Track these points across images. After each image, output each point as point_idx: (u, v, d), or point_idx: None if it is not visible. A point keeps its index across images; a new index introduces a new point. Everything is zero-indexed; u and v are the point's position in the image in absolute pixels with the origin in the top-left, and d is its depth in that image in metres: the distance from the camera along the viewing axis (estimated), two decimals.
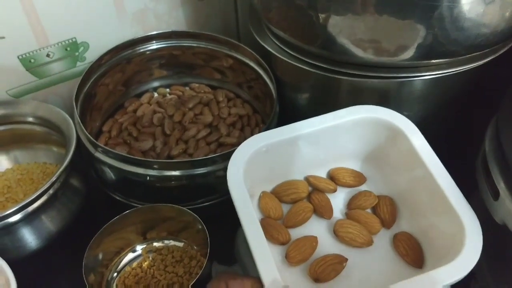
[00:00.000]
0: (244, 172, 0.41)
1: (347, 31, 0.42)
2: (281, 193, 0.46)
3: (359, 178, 0.47)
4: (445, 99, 0.47)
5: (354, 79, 0.46)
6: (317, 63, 0.48)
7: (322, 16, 0.42)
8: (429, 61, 0.43)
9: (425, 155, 0.42)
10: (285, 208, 0.45)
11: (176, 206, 0.47)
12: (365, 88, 0.48)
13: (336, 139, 0.46)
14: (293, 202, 0.45)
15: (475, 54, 0.43)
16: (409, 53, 0.42)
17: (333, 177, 0.47)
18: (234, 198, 0.39)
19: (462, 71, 0.44)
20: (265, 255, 0.36)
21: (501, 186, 0.37)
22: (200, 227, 0.46)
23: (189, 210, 0.47)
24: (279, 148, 0.44)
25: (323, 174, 0.48)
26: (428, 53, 0.42)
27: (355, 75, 0.46)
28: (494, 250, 0.45)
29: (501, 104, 0.41)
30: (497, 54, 0.45)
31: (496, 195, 0.37)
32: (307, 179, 0.47)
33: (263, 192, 0.46)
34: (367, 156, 0.48)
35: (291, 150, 0.45)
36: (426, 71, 0.44)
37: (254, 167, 0.42)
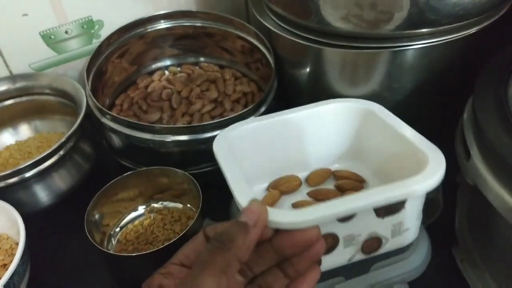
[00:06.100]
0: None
1: (335, 4, 0.45)
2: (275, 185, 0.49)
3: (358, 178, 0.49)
4: (433, 71, 0.49)
5: (346, 50, 0.49)
6: (311, 37, 0.50)
7: None
8: (414, 31, 0.45)
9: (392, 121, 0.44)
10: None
11: (173, 168, 0.50)
12: (356, 60, 0.50)
13: (318, 130, 0.49)
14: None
15: (458, 24, 0.45)
16: (394, 23, 0.44)
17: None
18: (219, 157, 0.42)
19: (448, 42, 0.46)
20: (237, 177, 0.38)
21: (473, 147, 0.39)
22: (193, 186, 0.49)
23: (186, 173, 0.50)
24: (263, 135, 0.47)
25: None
26: (411, 22, 0.44)
27: (346, 46, 0.48)
28: (469, 211, 0.46)
29: (480, 73, 0.42)
30: (480, 26, 0.46)
31: (468, 156, 0.39)
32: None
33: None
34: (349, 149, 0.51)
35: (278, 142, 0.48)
36: (411, 41, 0.46)
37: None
